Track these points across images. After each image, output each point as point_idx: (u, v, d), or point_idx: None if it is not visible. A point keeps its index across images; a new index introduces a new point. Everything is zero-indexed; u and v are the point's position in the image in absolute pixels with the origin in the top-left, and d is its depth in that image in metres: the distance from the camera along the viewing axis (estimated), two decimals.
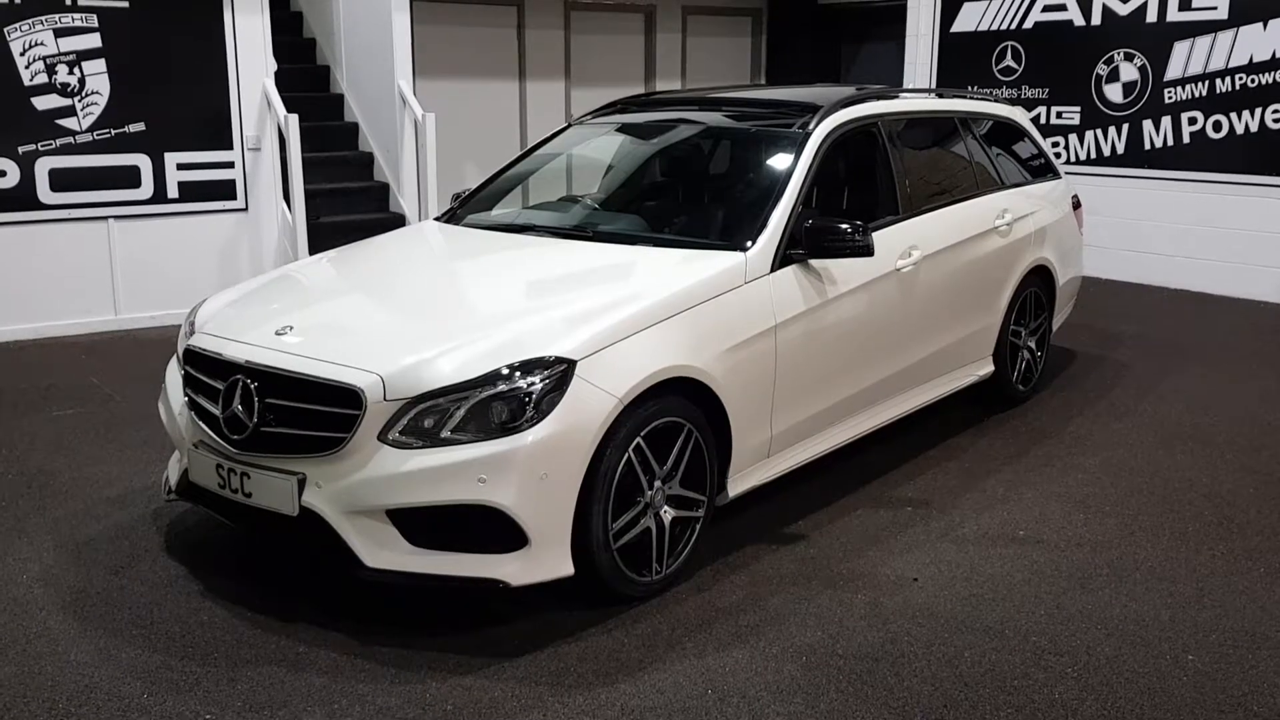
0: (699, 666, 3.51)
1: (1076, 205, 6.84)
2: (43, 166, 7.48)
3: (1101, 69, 9.59)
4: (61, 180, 7.55)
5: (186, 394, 4.03)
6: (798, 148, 4.76)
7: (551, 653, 3.58)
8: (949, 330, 5.49)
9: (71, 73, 7.48)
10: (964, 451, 5.52)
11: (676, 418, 3.92)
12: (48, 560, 4.20)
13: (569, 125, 5.72)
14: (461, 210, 5.34)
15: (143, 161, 7.81)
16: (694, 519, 4.09)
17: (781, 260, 4.43)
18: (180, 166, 7.95)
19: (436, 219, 5.37)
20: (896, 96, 5.67)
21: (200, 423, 3.91)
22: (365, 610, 3.83)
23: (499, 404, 3.55)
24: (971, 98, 6.30)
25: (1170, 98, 9.21)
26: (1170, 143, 9.26)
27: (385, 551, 3.58)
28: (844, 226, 4.43)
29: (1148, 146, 9.39)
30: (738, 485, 4.31)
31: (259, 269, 8.34)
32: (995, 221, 5.80)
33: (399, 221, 8.89)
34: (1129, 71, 9.43)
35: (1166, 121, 9.26)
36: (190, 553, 4.27)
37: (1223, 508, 4.84)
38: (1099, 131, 9.68)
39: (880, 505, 4.84)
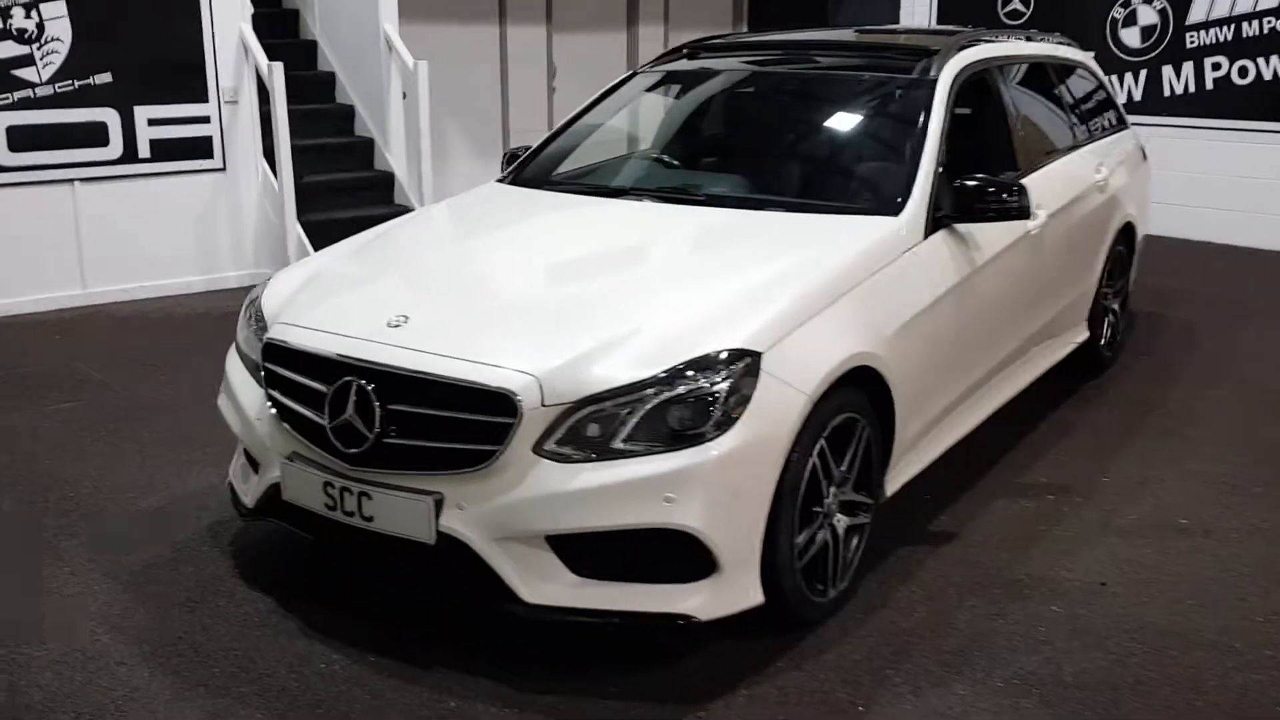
0: (924, 708, 3.02)
1: (1143, 157, 6.44)
2: None
3: (1118, 12, 9.21)
4: (20, 139, 6.67)
5: (270, 397, 3.37)
6: (927, 97, 4.24)
7: (747, 696, 3.06)
8: (1062, 295, 5.07)
9: (29, 17, 6.59)
10: (1073, 426, 5.11)
11: (854, 413, 3.40)
12: (102, 596, 3.53)
13: (634, 74, 5.10)
14: (530, 172, 4.69)
15: (110, 116, 6.95)
16: (862, 525, 3.59)
17: (932, 225, 3.93)
18: (151, 122, 7.10)
19: (500, 181, 4.72)
20: (992, 39, 5.15)
21: (296, 433, 3.27)
22: (503, 648, 3.25)
23: (679, 408, 2.98)
24: (1055, 41, 5.82)
25: (1192, 42, 8.87)
26: (1192, 89, 8.94)
27: (546, 584, 3.02)
28: (1001, 186, 3.94)
29: (1167, 93, 9.06)
30: (892, 482, 3.82)
31: (239, 234, 7.56)
32: (1095, 176, 5.37)
33: (387, 179, 8.15)
34: (1148, 15, 9.07)
35: (1188, 67, 8.93)
36: (273, 580, 3.64)
37: None
38: (1114, 78, 9.30)
39: (1017, 493, 4.40)
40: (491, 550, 3.00)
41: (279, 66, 7.09)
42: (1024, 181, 4.61)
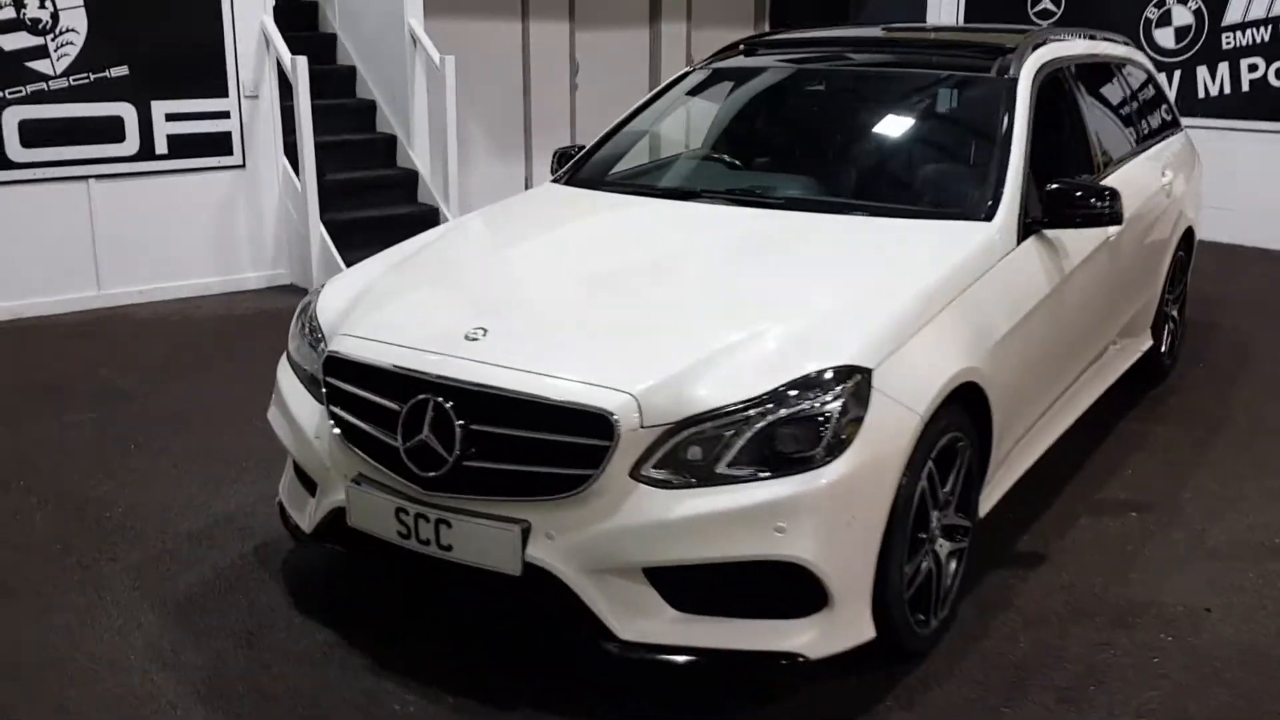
0: None
1: (1197, 158, 6.24)
2: (11, 117, 6.33)
3: (1151, 12, 9.03)
4: (33, 134, 6.41)
5: (333, 414, 3.14)
6: (1009, 96, 4.04)
7: None
8: (1132, 302, 4.88)
9: (43, 6, 6.33)
10: (1142, 439, 4.91)
11: (958, 432, 3.19)
12: (150, 629, 3.30)
13: (689, 71, 4.87)
14: (587, 172, 4.46)
15: (126, 111, 6.70)
16: (961, 550, 3.38)
17: (1023, 231, 3.72)
18: (169, 117, 6.84)
19: (555, 181, 4.49)
20: (1060, 38, 4.94)
21: (363, 454, 3.04)
22: (592, 685, 3.03)
23: (789, 429, 2.77)
24: (1116, 40, 5.61)
25: (1228, 43, 8.69)
26: (1228, 91, 8.75)
27: (643, 620, 2.80)
28: (1093, 191, 3.75)
29: (1202, 95, 8.87)
30: (985, 502, 3.61)
31: (259, 234, 7.31)
32: (1161, 180, 5.17)
33: (411, 177, 7.91)
34: (1182, 15, 8.88)
35: (1224, 68, 8.74)
36: (332, 609, 3.41)
37: None
38: None
39: (1099, 511, 4.20)
40: (584, 583, 2.79)
41: (303, 60, 6.84)
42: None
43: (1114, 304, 4.58)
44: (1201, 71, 8.85)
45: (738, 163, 4.56)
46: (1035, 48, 4.38)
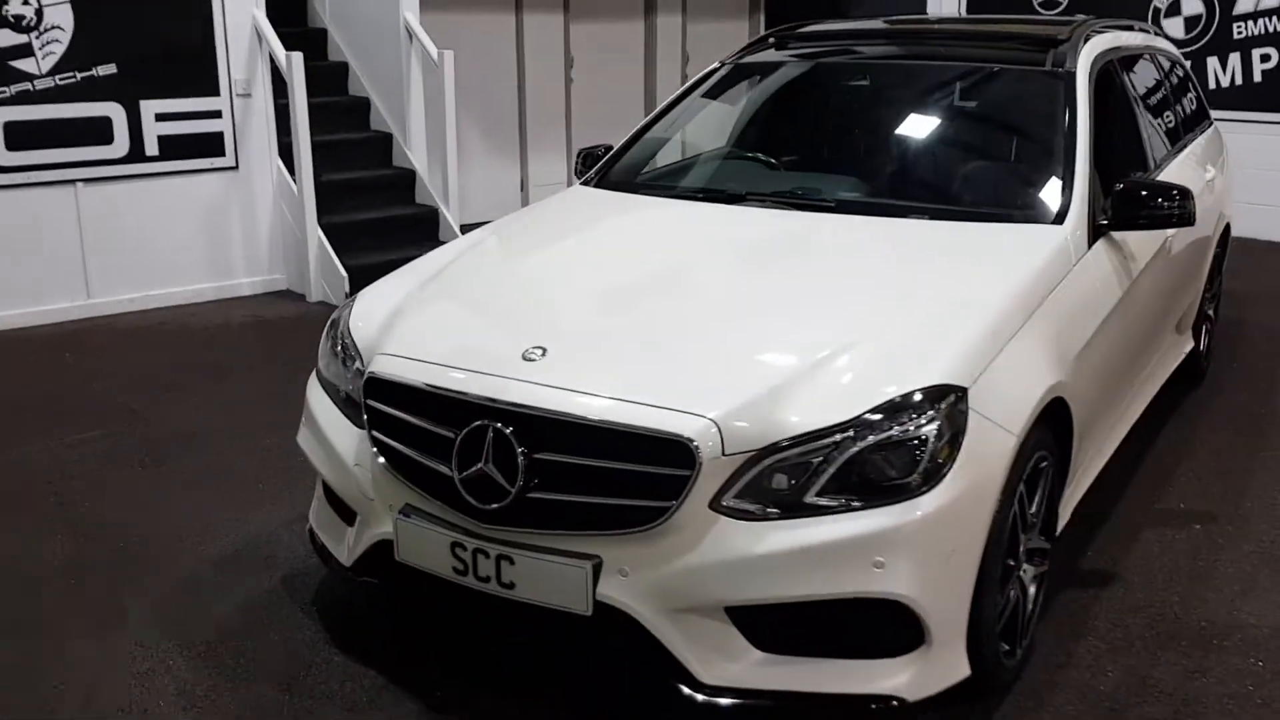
0: None
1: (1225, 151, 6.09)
2: None
3: (1160, 1, 8.88)
4: (18, 136, 6.12)
5: (376, 440, 2.90)
6: (1068, 91, 3.85)
7: None
8: (1181, 303, 4.71)
9: (27, 3, 6.04)
10: (1192, 445, 4.75)
11: (1044, 451, 3.00)
12: (181, 672, 3.05)
13: (719, 66, 4.65)
14: (618, 174, 4.23)
15: (115, 111, 6.41)
16: (1042, 574, 3.19)
17: (1093, 234, 3.53)
18: (159, 117, 6.56)
19: (585, 184, 4.26)
20: (1103, 30, 4.75)
21: (412, 484, 2.81)
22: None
23: (883, 455, 2.56)
24: (1148, 30, 5.44)
25: (1240, 33, 8.55)
26: (1239, 82, 8.62)
27: (727, 663, 2.59)
28: (1163, 191, 3.56)
29: (1213, 86, 8.73)
30: (1060, 520, 3.42)
31: (253, 238, 7.04)
32: (1205, 176, 5.01)
33: (407, 177, 7.65)
34: (1192, 4, 8.73)
35: (1235, 58, 8.60)
36: (373, 646, 3.17)
37: None
38: None
39: (1159, 523, 4.03)
40: (661, 623, 2.58)
41: (298, 57, 6.58)
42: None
43: (1168, 306, 4.41)
44: (1212, 62, 8.71)
45: (777, 163, 4.33)
46: (1087, 39, 4.19)
